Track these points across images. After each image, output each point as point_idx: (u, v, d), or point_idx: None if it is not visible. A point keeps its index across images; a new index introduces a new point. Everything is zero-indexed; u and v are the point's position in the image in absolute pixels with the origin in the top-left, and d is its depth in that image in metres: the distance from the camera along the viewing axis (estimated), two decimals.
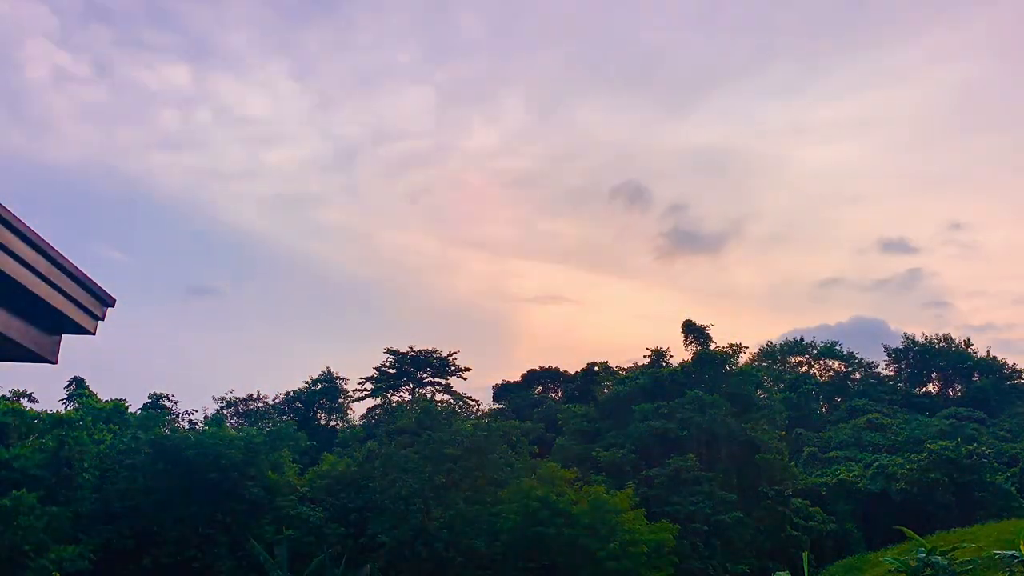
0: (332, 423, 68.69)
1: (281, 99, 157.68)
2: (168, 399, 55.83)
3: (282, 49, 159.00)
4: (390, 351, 68.17)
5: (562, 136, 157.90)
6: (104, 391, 52.59)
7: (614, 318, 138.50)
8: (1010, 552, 22.39)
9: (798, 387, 76.44)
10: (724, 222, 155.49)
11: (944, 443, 54.39)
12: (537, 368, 79.83)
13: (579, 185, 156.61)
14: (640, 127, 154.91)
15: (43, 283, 4.45)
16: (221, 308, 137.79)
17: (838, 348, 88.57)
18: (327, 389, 68.65)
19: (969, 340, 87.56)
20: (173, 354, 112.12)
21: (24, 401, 45.36)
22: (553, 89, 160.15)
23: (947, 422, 65.73)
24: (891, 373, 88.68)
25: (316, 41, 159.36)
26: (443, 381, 68.68)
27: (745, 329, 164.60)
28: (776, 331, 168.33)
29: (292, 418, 61.20)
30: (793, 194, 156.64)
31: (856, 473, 55.69)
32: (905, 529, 28.99)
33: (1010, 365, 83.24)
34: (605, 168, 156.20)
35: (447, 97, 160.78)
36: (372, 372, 68.65)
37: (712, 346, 58.47)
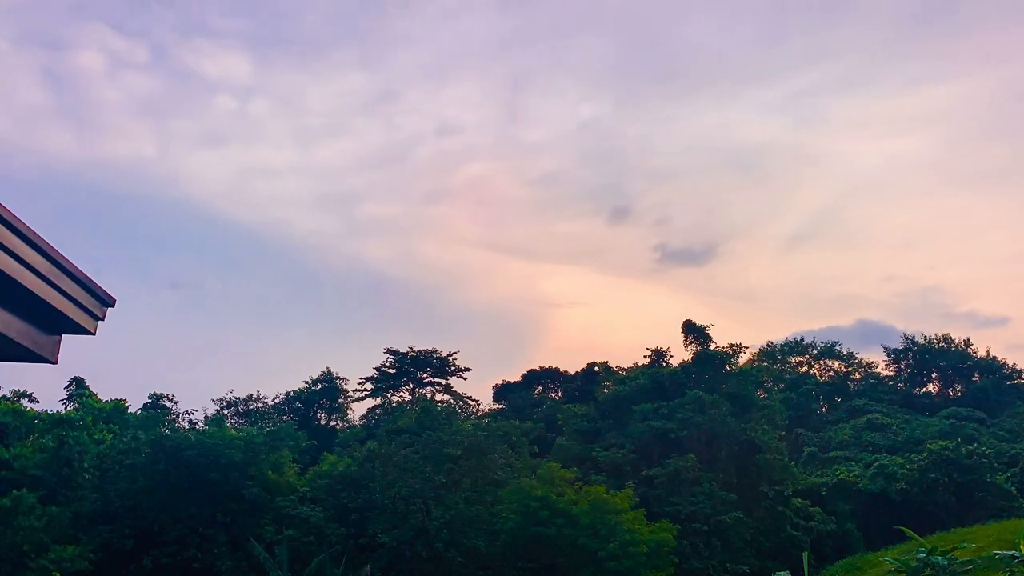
0: (332, 423, 68.71)
1: (343, 90, 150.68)
2: (168, 399, 55.88)
3: (353, 35, 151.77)
4: (390, 351, 68.28)
5: (594, 134, 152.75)
6: (104, 391, 52.66)
7: (630, 320, 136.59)
8: (1010, 552, 22.38)
9: (798, 387, 76.48)
10: (746, 223, 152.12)
11: (944, 443, 54.41)
12: (537, 368, 79.88)
13: (603, 184, 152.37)
14: (668, 123, 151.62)
15: (43, 283, 4.45)
16: (227, 308, 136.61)
17: (837, 348, 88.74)
18: (327, 389, 68.67)
19: (969, 340, 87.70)
20: (173, 354, 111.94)
21: (24, 401, 45.40)
22: (598, 84, 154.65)
23: (947, 422, 65.76)
24: (891, 373, 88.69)
25: (389, 26, 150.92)
26: (443, 381, 68.78)
27: (759, 332, 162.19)
28: (789, 333, 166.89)
29: (292, 418, 61.24)
30: (817, 195, 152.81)
31: (856, 473, 55.73)
32: (905, 529, 28.98)
33: (1010, 365, 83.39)
34: (630, 169, 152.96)
35: (508, 89, 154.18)
36: (372, 372, 68.85)
37: (712, 346, 58.49)
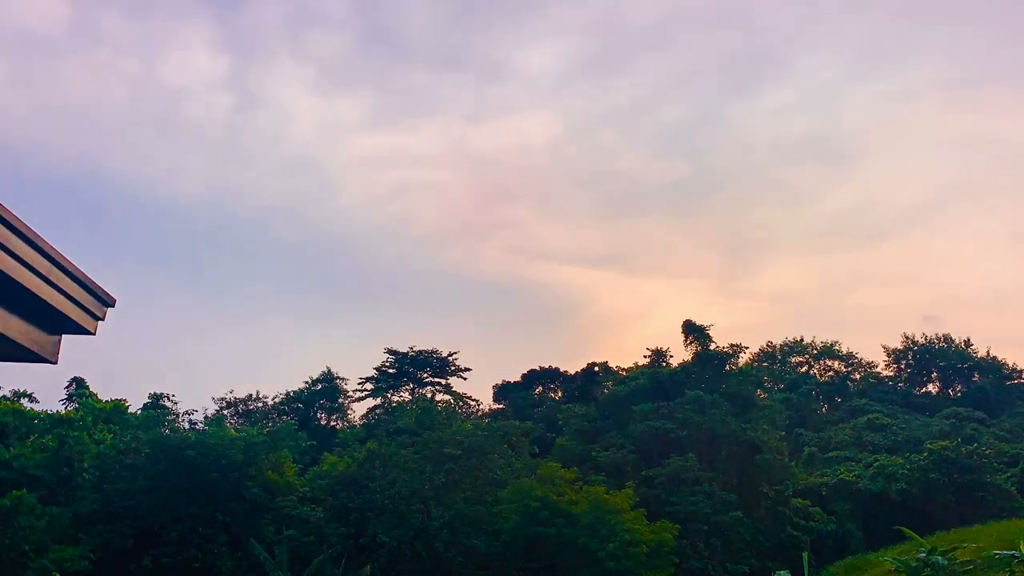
0: (332, 423, 68.70)
1: (533, 63, 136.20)
2: (168, 399, 55.83)
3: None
4: (390, 351, 68.24)
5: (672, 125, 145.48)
6: (104, 391, 52.66)
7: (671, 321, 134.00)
8: (1010, 552, 22.41)
9: (798, 387, 76.40)
10: (833, 216, 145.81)
11: (944, 443, 54.40)
12: (537, 368, 79.88)
13: (675, 180, 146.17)
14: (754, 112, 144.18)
15: (43, 283, 4.45)
16: (230, 308, 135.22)
17: (837, 348, 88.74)
18: (327, 389, 68.66)
19: (969, 340, 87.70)
20: (173, 354, 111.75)
21: (24, 401, 45.40)
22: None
23: (947, 422, 65.73)
24: (891, 373, 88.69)
25: None
26: (443, 381, 68.76)
27: (821, 330, 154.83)
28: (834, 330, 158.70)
29: (292, 418, 61.21)
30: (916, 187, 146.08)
31: (856, 473, 55.67)
32: (905, 529, 29.03)
33: (1010, 365, 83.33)
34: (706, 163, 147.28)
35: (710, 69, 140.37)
36: (372, 372, 68.83)
37: (712, 346, 58.46)
